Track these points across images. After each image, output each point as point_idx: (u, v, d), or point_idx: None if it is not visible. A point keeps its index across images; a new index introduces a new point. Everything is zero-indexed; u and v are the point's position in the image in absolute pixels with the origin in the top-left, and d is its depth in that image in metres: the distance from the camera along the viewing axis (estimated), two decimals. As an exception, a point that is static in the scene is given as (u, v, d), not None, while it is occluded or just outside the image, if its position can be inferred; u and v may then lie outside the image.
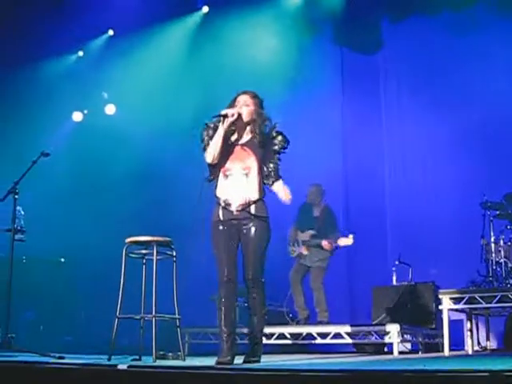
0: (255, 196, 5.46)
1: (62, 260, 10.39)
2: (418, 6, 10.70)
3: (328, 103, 11.35)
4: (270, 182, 5.57)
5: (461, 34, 10.36)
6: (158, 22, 11.65)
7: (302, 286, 9.37)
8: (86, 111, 12.43)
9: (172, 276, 6.24)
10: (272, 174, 5.57)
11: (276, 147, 5.61)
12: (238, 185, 5.47)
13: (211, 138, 5.53)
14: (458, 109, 10.36)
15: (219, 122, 5.50)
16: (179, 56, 11.79)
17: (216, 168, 5.56)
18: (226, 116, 5.46)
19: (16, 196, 6.32)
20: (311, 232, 9.27)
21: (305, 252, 9.30)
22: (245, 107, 5.56)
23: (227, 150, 5.52)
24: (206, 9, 11.91)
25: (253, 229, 5.47)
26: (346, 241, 8.96)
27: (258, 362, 5.55)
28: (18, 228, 6.31)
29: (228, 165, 5.52)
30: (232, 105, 5.62)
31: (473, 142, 10.26)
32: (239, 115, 5.50)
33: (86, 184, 11.27)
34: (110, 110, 12.35)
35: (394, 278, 9.56)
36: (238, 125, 5.55)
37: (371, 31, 11.18)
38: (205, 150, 5.59)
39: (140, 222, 10.13)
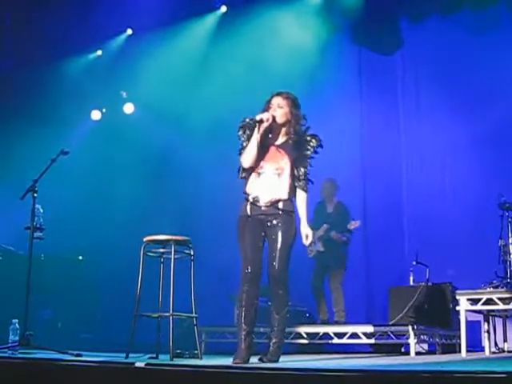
0: (284, 196, 5.52)
1: (80, 258, 10.45)
2: (438, 5, 10.65)
3: (346, 102, 11.32)
4: (298, 185, 5.62)
5: (481, 34, 10.29)
6: (177, 21, 11.67)
7: (323, 290, 9.40)
8: (104, 110, 12.49)
9: (190, 275, 6.26)
10: (301, 177, 5.63)
11: (308, 152, 5.71)
12: (269, 183, 5.52)
13: (248, 138, 5.57)
14: (478, 109, 10.30)
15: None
16: (198, 55, 11.80)
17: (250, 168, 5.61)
18: (261, 121, 5.50)
19: (35, 194, 6.36)
20: (325, 226, 9.30)
21: (321, 249, 9.33)
22: (279, 109, 5.60)
23: (262, 150, 5.56)
24: (224, 8, 11.91)
25: (280, 224, 5.50)
26: (354, 224, 9.13)
27: (276, 361, 5.48)
28: (37, 226, 6.35)
29: (261, 164, 5.56)
30: (266, 107, 5.64)
31: (492, 142, 10.20)
32: (273, 118, 5.54)
33: (104, 182, 11.33)
34: (129, 108, 12.40)
35: (411, 279, 9.52)
36: (273, 126, 5.59)
37: (390, 31, 11.13)
38: (240, 152, 5.63)
39: (158, 220, 10.17)
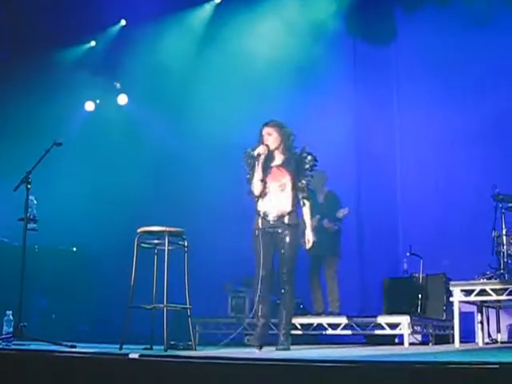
0: (289, 208, 6.51)
1: (75, 249, 10.44)
2: (432, -4, 10.67)
3: (340, 94, 11.29)
4: (300, 197, 6.62)
5: (475, 25, 10.27)
6: (171, 11, 11.63)
7: (320, 281, 9.41)
8: (98, 101, 12.46)
9: (184, 266, 6.26)
10: (304, 188, 6.61)
11: (307, 165, 6.64)
12: (275, 199, 6.53)
13: (251, 166, 6.64)
14: (472, 100, 10.32)
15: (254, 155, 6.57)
16: (192, 46, 11.76)
17: None
18: (258, 155, 6.51)
19: (28, 185, 6.34)
20: (317, 216, 9.30)
21: (314, 238, 9.33)
22: (269, 137, 6.60)
23: (266, 173, 6.57)
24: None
25: (287, 236, 6.47)
26: (342, 211, 9.14)
27: (288, 349, 6.38)
28: (31, 217, 6.33)
29: (268, 184, 6.57)
30: (261, 139, 6.65)
31: (486, 133, 10.21)
32: (268, 146, 6.56)
33: (98, 173, 11.30)
34: (123, 100, 12.38)
35: (405, 270, 9.55)
36: (270, 152, 6.60)
37: (384, 21, 11.11)
38: (248, 180, 6.70)
39: (153, 211, 10.16)
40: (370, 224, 11.05)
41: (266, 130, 6.61)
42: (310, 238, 6.69)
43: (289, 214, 6.49)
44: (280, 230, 6.48)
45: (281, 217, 6.48)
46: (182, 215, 9.29)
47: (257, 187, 6.53)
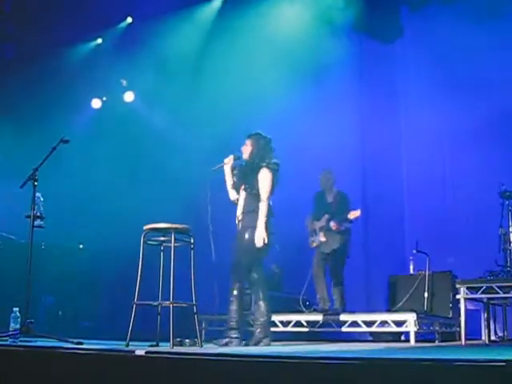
0: (246, 209, 6.95)
1: (81, 246, 10.45)
2: (438, -7, 10.64)
3: (346, 90, 11.29)
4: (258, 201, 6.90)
5: (481, 22, 10.22)
6: (177, 8, 11.63)
7: (325, 278, 9.41)
8: (105, 98, 12.47)
9: (190, 263, 6.27)
10: (258, 191, 6.89)
11: (260, 175, 6.90)
12: (239, 204, 7.05)
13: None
14: (477, 97, 10.27)
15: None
16: (198, 43, 11.77)
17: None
18: (225, 164, 7.17)
19: (35, 182, 6.35)
20: (327, 216, 9.29)
21: (323, 239, 9.32)
22: (245, 147, 7.09)
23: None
24: (224, -4, 11.91)
25: (246, 235, 6.83)
26: (354, 213, 9.08)
27: (255, 345, 6.59)
28: (38, 214, 6.34)
29: (241, 190, 7.09)
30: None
31: (492, 130, 10.19)
32: (234, 156, 7.15)
33: (104, 170, 11.31)
34: (129, 97, 12.39)
35: (411, 267, 9.54)
36: (247, 161, 7.07)
37: (390, 19, 11.09)
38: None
39: (159, 209, 10.16)
40: (375, 222, 11.03)
41: (246, 142, 7.11)
42: (259, 235, 6.76)
43: (246, 213, 6.93)
44: (241, 230, 6.92)
45: (239, 219, 6.99)
46: (188, 212, 9.29)
47: (230, 193, 7.22)
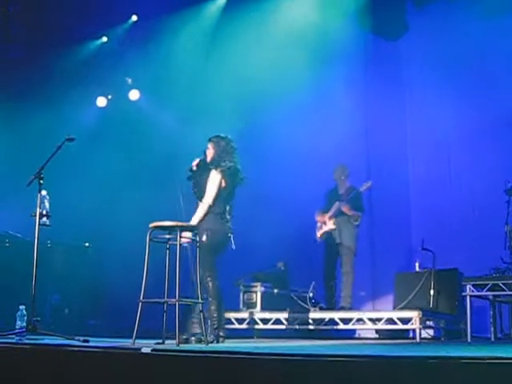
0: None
1: (87, 244, 10.47)
2: (444, -10, 10.61)
3: (351, 88, 11.27)
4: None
5: (487, 18, 10.18)
6: (182, 6, 11.63)
7: (335, 276, 9.44)
8: (110, 96, 12.48)
9: (195, 260, 6.28)
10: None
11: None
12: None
13: None
14: (483, 95, 10.25)
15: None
16: (203, 41, 11.77)
17: None
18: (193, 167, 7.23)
19: (41, 181, 6.36)
20: (337, 203, 9.36)
21: (333, 226, 9.35)
22: (207, 151, 7.17)
23: None
24: (229, -8, 11.91)
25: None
26: (365, 185, 9.29)
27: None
28: (43, 212, 6.36)
29: None
30: None
31: (498, 128, 10.16)
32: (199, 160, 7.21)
33: (110, 168, 11.32)
34: (134, 95, 12.39)
35: (417, 265, 9.53)
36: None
37: (395, 15, 11.06)
38: None
39: (165, 206, 10.17)
40: (381, 219, 11.02)
41: (207, 145, 7.21)
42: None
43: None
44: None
45: None
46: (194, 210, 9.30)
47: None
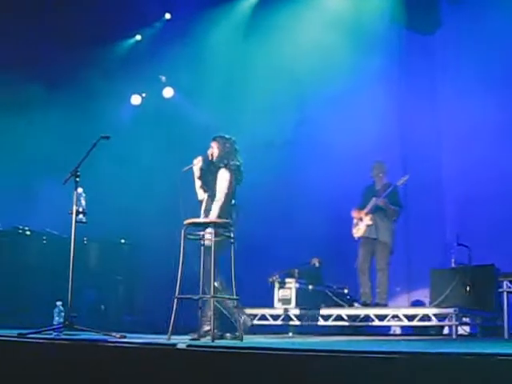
0: (207, 209, 7.07)
1: (123, 241, 10.54)
2: (477, -16, 10.51)
3: (385, 83, 11.22)
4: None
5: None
6: (214, 4, 11.66)
7: (370, 272, 9.41)
8: (144, 94, 12.55)
9: (230, 257, 6.29)
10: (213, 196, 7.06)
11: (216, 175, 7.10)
12: (204, 202, 7.23)
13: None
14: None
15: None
16: (237, 38, 11.79)
17: None
18: (194, 165, 7.24)
19: (77, 178, 6.42)
20: (374, 199, 9.33)
21: (370, 222, 9.33)
22: (210, 150, 7.26)
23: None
24: (262, -10, 11.92)
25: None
26: (402, 179, 9.33)
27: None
28: (80, 210, 6.41)
29: None
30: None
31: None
32: (203, 157, 7.25)
33: (145, 166, 11.40)
34: (168, 93, 12.44)
35: (453, 260, 9.46)
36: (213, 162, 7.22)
37: (430, 10, 10.99)
38: None
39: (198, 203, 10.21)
40: (416, 214, 10.94)
41: (211, 144, 7.31)
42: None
43: (203, 216, 6.98)
44: None
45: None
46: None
47: (198, 193, 7.34)
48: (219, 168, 7.09)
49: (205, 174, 7.27)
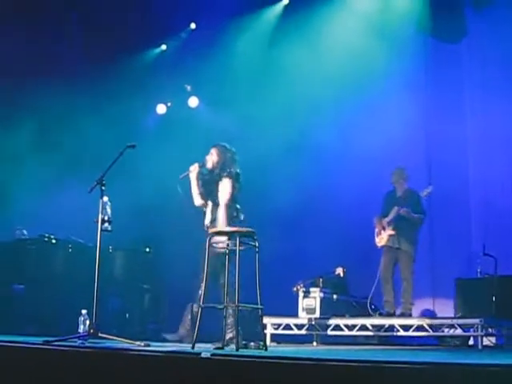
0: (214, 217, 7.28)
1: (147, 249, 10.57)
2: (503, -8, 10.46)
3: (411, 91, 11.19)
4: None
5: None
6: (239, 14, 11.70)
7: (393, 281, 9.37)
8: (169, 104, 12.61)
9: (255, 266, 6.29)
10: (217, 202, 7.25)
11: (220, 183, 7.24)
12: (208, 211, 7.40)
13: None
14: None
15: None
16: (262, 47, 11.82)
17: None
18: (190, 171, 7.44)
19: (103, 187, 6.46)
20: (396, 208, 9.30)
21: (392, 232, 9.30)
22: (209, 156, 7.44)
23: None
24: (286, 0, 11.95)
25: None
26: (426, 190, 9.33)
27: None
28: (105, 218, 6.45)
29: None
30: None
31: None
32: (200, 164, 7.44)
33: (170, 175, 11.41)
34: (193, 102, 12.50)
35: (479, 270, 9.39)
36: (212, 170, 7.39)
37: (455, 19, 10.96)
38: None
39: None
40: (441, 223, 10.88)
41: (210, 151, 7.46)
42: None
43: (211, 225, 7.18)
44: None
45: (207, 227, 7.22)
46: (250, 216, 9.33)
47: (194, 199, 7.51)
48: (221, 177, 7.24)
49: (207, 183, 7.43)
